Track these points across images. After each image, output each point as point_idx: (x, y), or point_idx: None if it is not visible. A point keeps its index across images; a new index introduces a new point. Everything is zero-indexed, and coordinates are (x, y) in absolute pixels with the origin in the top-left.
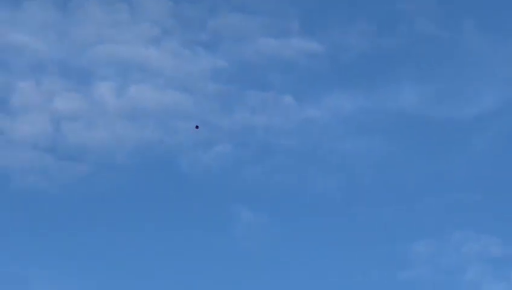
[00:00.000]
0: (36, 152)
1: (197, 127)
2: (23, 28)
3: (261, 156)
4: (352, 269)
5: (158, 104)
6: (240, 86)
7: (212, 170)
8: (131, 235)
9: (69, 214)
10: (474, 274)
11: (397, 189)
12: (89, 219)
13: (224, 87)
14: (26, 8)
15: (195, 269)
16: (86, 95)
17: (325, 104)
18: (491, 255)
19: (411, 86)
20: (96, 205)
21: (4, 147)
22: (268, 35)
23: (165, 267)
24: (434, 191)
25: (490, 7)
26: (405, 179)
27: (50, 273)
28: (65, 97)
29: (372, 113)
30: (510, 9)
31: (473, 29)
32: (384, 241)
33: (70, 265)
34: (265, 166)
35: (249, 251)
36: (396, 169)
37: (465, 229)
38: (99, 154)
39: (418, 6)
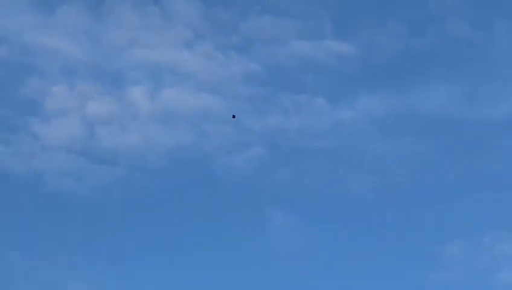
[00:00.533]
0: (70, 155)
1: (233, 116)
2: (56, 32)
3: (294, 158)
4: (385, 270)
5: (191, 108)
6: (273, 89)
7: (245, 172)
8: (166, 238)
9: (102, 217)
10: (507, 275)
11: (429, 191)
12: (122, 221)
13: (256, 90)
14: (59, 13)
15: (230, 269)
16: (118, 99)
17: (357, 105)
18: None
19: (441, 87)
20: (129, 208)
21: (38, 151)
22: (300, 37)
23: (201, 268)
24: (465, 193)
25: None
26: (436, 180)
27: (84, 274)
28: (98, 101)
29: (403, 114)
30: None
31: (504, 30)
32: (417, 242)
33: (104, 267)
34: (298, 168)
35: (283, 252)
36: (427, 170)
37: (497, 230)
38: (132, 158)
39: (449, 8)
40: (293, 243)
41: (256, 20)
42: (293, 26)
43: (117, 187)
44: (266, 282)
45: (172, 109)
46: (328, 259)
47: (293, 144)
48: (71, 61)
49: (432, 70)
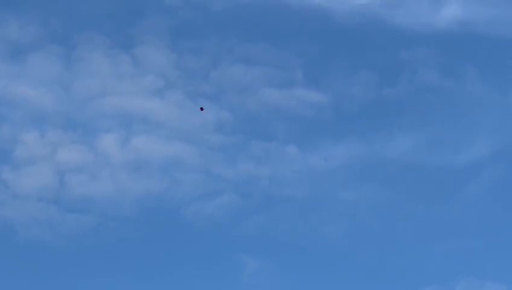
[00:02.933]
0: (41, 204)
1: (202, 109)
2: (27, 81)
3: (266, 206)
4: None
5: (162, 156)
6: (244, 137)
7: (217, 220)
8: (137, 286)
9: (75, 266)
10: None
11: (400, 237)
12: (94, 270)
13: (228, 138)
14: (31, 61)
15: None
16: (89, 147)
17: (328, 153)
18: None
19: (409, 135)
20: (102, 256)
21: (9, 200)
22: (271, 86)
23: None
24: (435, 239)
25: (492, 55)
26: (406, 226)
27: None
28: (69, 149)
29: (373, 162)
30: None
31: (474, 78)
32: (389, 288)
33: None
34: (270, 215)
35: None
36: (396, 216)
37: (469, 277)
38: (104, 206)
39: (420, 56)
40: None
41: (227, 69)
42: (264, 75)
43: (89, 235)
44: None
45: (144, 157)
46: None
47: (265, 192)
48: (42, 110)
49: (401, 118)
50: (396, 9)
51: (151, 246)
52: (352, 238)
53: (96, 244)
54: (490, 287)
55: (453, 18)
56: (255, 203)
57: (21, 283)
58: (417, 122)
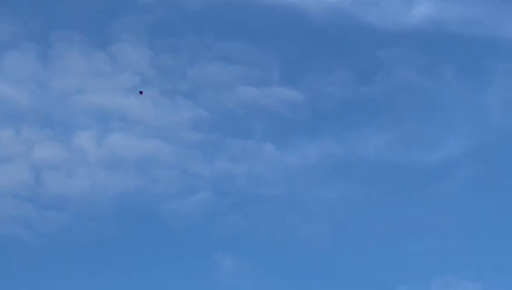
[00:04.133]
0: (17, 201)
1: (141, 92)
2: (3, 78)
3: (242, 204)
4: None
5: (139, 153)
6: (221, 135)
7: (193, 218)
8: (113, 284)
9: (50, 263)
10: None
11: (376, 235)
12: (70, 268)
13: (204, 136)
14: (7, 58)
15: None
16: (66, 145)
17: (305, 152)
18: None
19: (382, 133)
20: (77, 254)
21: None
22: (248, 84)
23: None
24: (411, 237)
25: (466, 54)
26: (381, 224)
27: None
28: (45, 146)
29: (348, 159)
30: (488, 56)
31: (452, 77)
32: (367, 286)
33: None
34: (247, 214)
35: None
36: (372, 214)
37: (445, 275)
38: (80, 204)
39: (397, 56)
40: (242, 289)
41: (204, 67)
42: (241, 73)
43: (65, 233)
44: None
45: (120, 154)
46: None
47: (242, 190)
48: (18, 107)
49: (377, 117)
50: (368, 7)
51: (127, 244)
52: (330, 237)
53: (72, 242)
54: (466, 286)
55: (424, 16)
56: (231, 201)
57: None
58: (392, 120)
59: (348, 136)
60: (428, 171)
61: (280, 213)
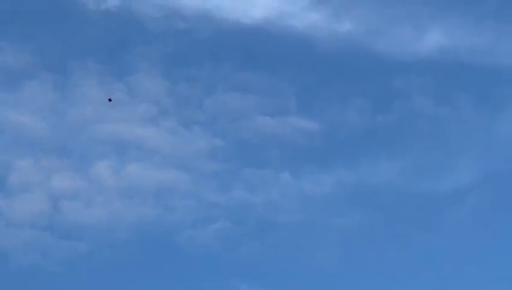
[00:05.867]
0: (35, 231)
1: (110, 100)
2: (21, 108)
3: (259, 233)
4: None
5: (156, 182)
6: (238, 164)
7: (210, 246)
8: None
9: None
10: None
11: (390, 262)
12: None
13: (221, 165)
14: (26, 88)
15: None
16: (83, 174)
17: (320, 180)
18: None
19: (394, 161)
20: (95, 283)
21: (2, 227)
22: (265, 113)
23: None
24: (425, 265)
25: (486, 83)
26: (395, 252)
27: None
28: (63, 176)
29: (361, 187)
30: (500, 84)
31: (467, 105)
32: None
33: None
34: (264, 242)
35: None
36: (386, 243)
37: None
38: (97, 232)
39: (414, 84)
40: None
41: (220, 96)
42: (258, 103)
43: (83, 262)
44: None
45: (137, 183)
46: None
47: (259, 218)
48: (36, 137)
49: (392, 145)
50: (378, 36)
51: (144, 272)
52: (345, 264)
53: (89, 270)
54: None
55: (435, 45)
56: (248, 229)
57: None
58: (405, 148)
59: (362, 165)
60: (440, 199)
61: (296, 240)
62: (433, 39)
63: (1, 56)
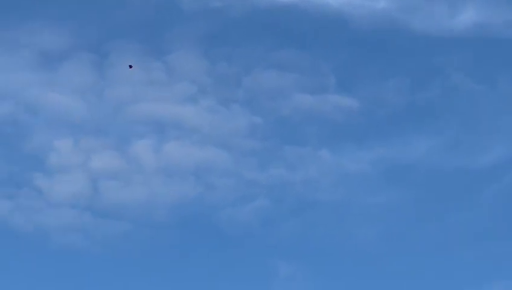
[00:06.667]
0: (75, 211)
1: (130, 66)
2: (60, 88)
3: (298, 211)
4: None
5: (195, 161)
6: (276, 142)
7: (250, 225)
8: None
9: (108, 272)
10: None
11: (429, 239)
12: (127, 275)
13: (260, 143)
14: (64, 69)
15: None
16: (123, 154)
17: (359, 157)
18: None
19: (433, 138)
20: (135, 262)
21: (43, 206)
22: (303, 91)
23: None
24: (464, 242)
25: None
26: (434, 229)
27: None
28: (102, 156)
29: (399, 164)
30: None
31: (502, 82)
32: None
33: None
34: (303, 220)
35: None
36: (424, 219)
37: (503, 280)
38: (137, 212)
39: (453, 62)
40: None
41: (259, 75)
42: (297, 80)
43: (122, 241)
44: None
45: (177, 162)
46: None
47: (298, 196)
48: (75, 117)
49: (430, 122)
50: (413, 13)
51: (184, 252)
52: (384, 241)
53: (129, 250)
54: None
55: (470, 22)
56: (287, 207)
57: (55, 288)
58: (443, 126)
59: (399, 142)
60: (477, 176)
61: (336, 219)
62: (468, 15)
63: (40, 37)
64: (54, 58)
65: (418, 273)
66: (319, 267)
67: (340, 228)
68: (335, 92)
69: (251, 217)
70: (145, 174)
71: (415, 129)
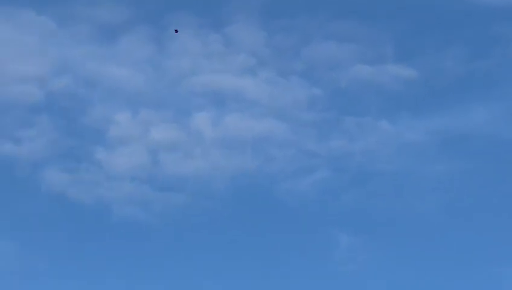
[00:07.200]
0: (135, 183)
1: (176, 31)
2: (118, 61)
3: (359, 181)
4: None
5: (254, 133)
6: (336, 113)
7: (310, 196)
8: (230, 263)
9: (167, 244)
10: None
11: (490, 209)
12: (187, 248)
13: (320, 114)
14: (121, 42)
15: None
16: (182, 126)
17: (419, 127)
18: None
19: (491, 107)
20: (194, 234)
21: (103, 179)
22: (362, 62)
23: None
24: None
25: None
26: (494, 199)
27: None
28: (162, 128)
29: (466, 135)
30: None
31: None
32: (483, 263)
33: None
34: (363, 191)
35: (348, 275)
36: (484, 189)
37: None
38: (196, 184)
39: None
40: (359, 266)
41: (318, 46)
42: (355, 51)
43: (182, 213)
44: None
45: (236, 134)
46: (395, 281)
47: (358, 167)
48: (134, 90)
49: (492, 91)
50: None
51: (243, 223)
52: (444, 212)
53: (188, 222)
54: None
55: None
56: (348, 178)
57: (115, 260)
58: (502, 95)
59: (458, 111)
60: None
61: (396, 189)
62: None
63: (99, 10)
64: (113, 31)
65: (480, 244)
66: (380, 238)
67: (400, 198)
68: (394, 62)
69: (311, 189)
70: (204, 146)
71: (474, 98)
